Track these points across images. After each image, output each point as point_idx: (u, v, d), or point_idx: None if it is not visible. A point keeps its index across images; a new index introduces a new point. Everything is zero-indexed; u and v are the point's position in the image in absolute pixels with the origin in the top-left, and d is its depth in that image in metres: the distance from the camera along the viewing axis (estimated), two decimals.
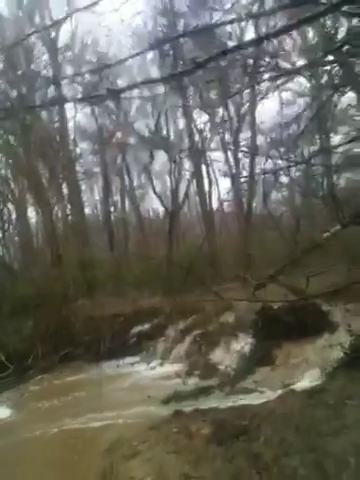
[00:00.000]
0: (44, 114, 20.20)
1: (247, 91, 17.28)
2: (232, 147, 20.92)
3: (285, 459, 3.82)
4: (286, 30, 2.47)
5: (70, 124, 21.73)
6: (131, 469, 4.61)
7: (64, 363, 13.20)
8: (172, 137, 22.37)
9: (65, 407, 9.18)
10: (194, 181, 23.07)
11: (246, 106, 19.45)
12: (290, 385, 7.50)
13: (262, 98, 18.37)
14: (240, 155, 20.33)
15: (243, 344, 10.25)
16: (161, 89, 12.70)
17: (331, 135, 16.88)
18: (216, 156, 23.49)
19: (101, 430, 7.39)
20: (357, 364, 6.73)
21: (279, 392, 7.01)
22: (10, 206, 21.23)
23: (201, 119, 22.58)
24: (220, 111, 20.87)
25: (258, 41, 3.76)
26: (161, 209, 25.73)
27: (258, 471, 3.74)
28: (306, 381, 7.63)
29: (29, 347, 12.19)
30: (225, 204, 26.09)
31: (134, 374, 11.51)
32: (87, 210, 26.75)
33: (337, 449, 3.88)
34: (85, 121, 23.61)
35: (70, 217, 21.08)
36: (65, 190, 20.92)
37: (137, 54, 4.51)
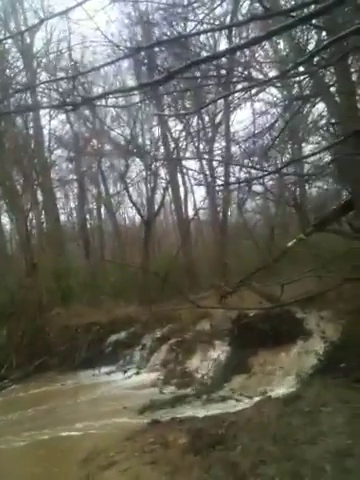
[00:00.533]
0: (19, 120, 19.99)
1: (221, 101, 17.48)
2: (207, 156, 21.10)
3: (262, 468, 3.85)
4: (257, 41, 2.52)
5: (45, 131, 21.59)
6: None
7: (39, 373, 12.97)
8: (147, 145, 22.43)
9: (40, 417, 9.01)
10: (169, 189, 23.16)
11: (220, 116, 19.66)
12: (266, 393, 7.55)
13: (235, 108, 18.59)
14: (215, 164, 20.50)
15: (219, 352, 10.30)
16: (136, 98, 12.71)
17: (303, 145, 17.20)
18: (191, 164, 23.66)
19: (77, 440, 7.30)
20: (331, 371, 6.85)
21: (255, 400, 7.06)
22: None
23: (176, 128, 22.74)
24: (195, 120, 21.06)
25: (230, 51, 3.82)
26: (137, 217, 25.69)
27: None
28: (282, 388, 7.72)
29: (3, 357, 11.95)
30: (201, 212, 26.25)
31: (110, 383, 11.41)
32: (62, 218, 26.49)
33: (314, 457, 3.92)
34: (60, 128, 23.45)
35: (45, 225, 20.81)
36: (40, 197, 20.68)
37: (111, 62, 4.50)
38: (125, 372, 12.21)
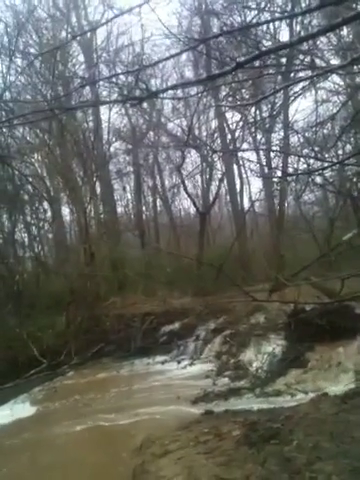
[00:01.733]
0: (79, 114, 20.52)
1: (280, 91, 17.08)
2: (264, 147, 20.75)
3: (319, 464, 3.76)
4: (333, 28, 2.41)
5: (104, 124, 22.05)
6: (161, 468, 4.64)
7: (96, 360, 13.36)
8: (204, 137, 22.38)
9: (96, 404, 9.27)
10: (225, 181, 23.02)
11: (279, 106, 19.25)
12: (323, 389, 7.36)
13: (296, 97, 18.13)
14: (272, 155, 20.14)
15: (274, 346, 10.13)
16: (194, 90, 12.67)
17: None
18: (248, 156, 23.38)
19: (132, 428, 7.42)
20: None
21: (311, 395, 6.91)
22: (45, 204, 21.65)
23: (233, 118, 22.51)
24: (252, 110, 20.75)
25: (304, 39, 3.69)
26: (192, 209, 25.76)
27: (290, 476, 3.69)
28: (339, 385, 7.50)
29: (62, 343, 12.36)
30: (256, 204, 25.93)
31: (164, 373, 11.53)
32: (119, 209, 27.06)
33: None
34: (119, 121, 23.87)
35: (103, 216, 21.33)
36: (98, 189, 21.20)
37: (172, 56, 4.49)
38: (179, 362, 12.31)
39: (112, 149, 23.48)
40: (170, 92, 17.24)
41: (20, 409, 9.90)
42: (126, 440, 6.84)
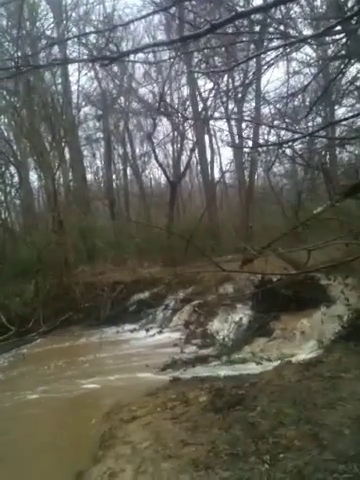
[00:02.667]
0: (47, 76, 19.79)
1: (253, 60, 16.89)
2: (236, 117, 20.63)
3: (281, 429, 3.91)
4: None
5: (73, 87, 21.37)
6: (129, 433, 4.73)
7: (64, 328, 13.38)
8: (176, 105, 22.02)
9: (64, 371, 9.33)
10: (196, 151, 22.86)
11: (251, 75, 19.06)
12: (287, 357, 7.60)
13: (268, 67, 17.95)
14: (244, 125, 20.07)
15: (241, 315, 10.36)
16: (166, 55, 12.35)
17: (336, 107, 16.60)
18: (219, 125, 23.24)
19: (100, 394, 7.52)
20: (354, 337, 6.84)
21: (276, 363, 7.12)
22: (12, 169, 21.06)
23: (206, 87, 22.20)
24: (225, 79, 20.49)
25: (274, 4, 3.62)
26: (163, 179, 25.60)
27: (254, 440, 3.83)
28: (303, 353, 7.76)
29: (30, 311, 12.32)
30: (227, 176, 25.95)
31: (133, 341, 11.67)
32: (89, 177, 26.59)
33: (333, 421, 3.96)
34: (88, 85, 23.16)
35: (72, 183, 20.94)
36: (67, 155, 20.71)
37: (144, 16, 4.34)
38: (147, 331, 12.45)
39: (82, 114, 22.91)
40: (141, 56, 16.82)
41: None
42: (94, 407, 6.93)
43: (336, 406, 4.32)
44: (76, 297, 14.50)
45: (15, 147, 20.16)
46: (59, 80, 20.41)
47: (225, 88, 20.68)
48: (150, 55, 16.90)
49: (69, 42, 17.08)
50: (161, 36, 21.22)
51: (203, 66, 16.39)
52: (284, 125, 11.82)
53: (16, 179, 21.59)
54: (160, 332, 12.11)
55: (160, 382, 7.11)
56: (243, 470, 3.39)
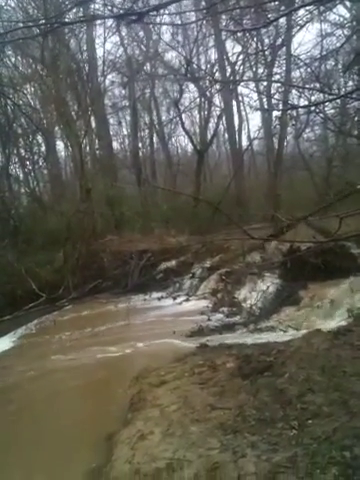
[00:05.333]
0: (73, 43, 19.52)
1: (283, 22, 16.20)
2: (265, 81, 20.00)
3: (310, 396, 3.88)
4: None
5: (99, 54, 21.00)
6: (158, 397, 4.80)
7: (93, 295, 13.61)
8: (203, 70, 21.49)
9: (94, 337, 9.52)
10: (224, 118, 22.40)
11: (282, 37, 18.32)
12: (315, 325, 7.53)
13: (300, 28, 17.20)
14: (273, 90, 19.45)
15: (269, 284, 10.27)
16: (192, 17, 11.95)
17: None
18: (248, 91, 22.66)
19: (129, 360, 7.68)
20: None
21: (304, 331, 7.07)
22: (39, 138, 21.12)
23: (234, 50, 21.54)
24: (253, 43, 19.79)
25: None
26: (190, 147, 25.27)
27: (282, 406, 3.82)
28: (331, 322, 7.67)
29: (60, 278, 12.53)
30: (255, 143, 25.42)
31: (160, 308, 11.78)
32: (115, 145, 26.46)
33: None
34: (114, 51, 22.71)
35: (98, 152, 20.88)
36: (93, 124, 20.58)
37: None
38: (175, 298, 12.55)
39: (107, 82, 22.57)
40: (167, 19, 16.32)
41: (19, 340, 10.21)
42: (123, 372, 7.08)
43: None
44: (104, 265, 14.68)
45: (42, 115, 20.13)
46: (84, 47, 20.10)
47: (254, 51, 19.96)
48: (177, 18, 16.39)
49: (95, 5, 16.62)
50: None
51: (231, 27, 15.86)
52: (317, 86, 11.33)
53: (43, 148, 21.67)
54: (187, 300, 12.19)
55: (187, 348, 7.19)
56: (271, 435, 3.39)
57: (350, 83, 16.33)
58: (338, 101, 14.81)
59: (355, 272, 9.15)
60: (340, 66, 15.05)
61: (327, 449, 3.02)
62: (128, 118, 25.52)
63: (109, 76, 22.59)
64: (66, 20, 8.08)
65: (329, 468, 2.79)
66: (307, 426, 3.43)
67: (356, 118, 15.98)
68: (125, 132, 28.30)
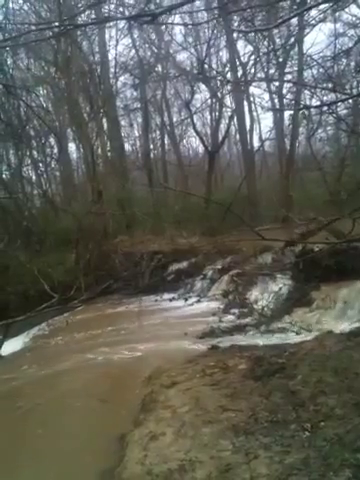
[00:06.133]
0: (85, 46, 19.62)
1: (295, 22, 16.14)
2: (277, 82, 19.95)
3: (322, 398, 3.87)
4: None
5: (111, 57, 21.09)
6: (169, 398, 4.80)
7: (105, 296, 13.67)
8: (214, 71, 21.47)
9: (106, 337, 9.54)
10: (235, 119, 22.36)
11: (293, 37, 18.24)
12: (328, 327, 7.49)
13: (312, 28, 17.11)
14: (285, 91, 19.40)
15: (281, 285, 10.23)
16: (204, 17, 11.96)
17: None
18: (259, 92, 22.61)
19: (141, 361, 7.66)
20: None
21: (316, 333, 7.04)
22: (52, 140, 21.28)
23: (245, 50, 21.50)
24: (265, 43, 19.74)
25: None
26: (201, 148, 25.27)
27: (295, 408, 3.81)
28: (344, 323, 7.62)
29: (72, 279, 12.57)
30: (266, 144, 25.35)
31: (172, 310, 11.77)
32: (127, 147, 26.55)
33: None
34: (125, 53, 22.77)
35: (110, 153, 20.97)
36: (105, 125, 20.68)
37: None
38: (186, 300, 12.54)
39: (119, 84, 22.65)
40: (179, 20, 16.34)
41: (32, 341, 10.29)
42: (135, 373, 7.08)
43: None
44: (115, 266, 14.74)
45: (54, 117, 20.28)
46: (96, 49, 20.20)
47: (266, 52, 19.91)
48: (188, 18, 16.40)
49: (107, 7, 16.71)
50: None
51: (243, 27, 15.82)
52: (329, 86, 11.28)
53: (56, 150, 21.82)
54: (198, 301, 12.17)
55: (199, 350, 7.19)
56: (284, 437, 3.38)
57: None
58: (350, 101, 14.73)
59: None
60: (352, 66, 14.95)
61: (340, 451, 3.02)
62: (139, 120, 25.60)
63: (121, 78, 22.69)
64: (79, 22, 8.09)
65: (342, 470, 2.79)
66: (320, 428, 3.43)
67: None
68: (136, 134, 28.39)
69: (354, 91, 16.24)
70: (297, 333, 8.03)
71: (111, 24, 19.00)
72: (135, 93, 23.63)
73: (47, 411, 6.15)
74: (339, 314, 8.17)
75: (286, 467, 2.97)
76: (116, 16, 12.09)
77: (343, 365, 4.57)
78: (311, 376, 4.40)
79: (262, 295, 10.51)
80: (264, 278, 11.14)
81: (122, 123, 24.82)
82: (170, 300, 12.85)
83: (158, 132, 25.91)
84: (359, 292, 8.32)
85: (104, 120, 20.08)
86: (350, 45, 14.82)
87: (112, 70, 21.15)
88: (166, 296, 13.22)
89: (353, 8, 14.25)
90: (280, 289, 10.14)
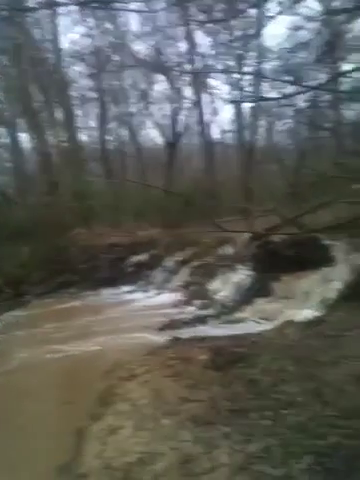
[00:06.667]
0: (37, 34, 18.94)
1: (254, 13, 16.16)
2: (236, 73, 19.98)
3: (283, 386, 3.84)
4: None
5: (65, 46, 20.52)
6: (129, 391, 4.67)
7: (61, 290, 13.34)
8: (172, 61, 21.21)
9: (62, 332, 9.28)
10: (195, 110, 22.26)
11: (252, 29, 18.30)
12: (288, 317, 7.54)
13: (270, 20, 17.18)
14: (245, 83, 19.45)
15: (241, 276, 10.27)
16: (162, 4, 11.71)
17: (340, 64, 16.02)
18: (219, 83, 22.57)
19: (99, 354, 7.50)
20: (356, 297, 6.76)
21: (276, 323, 7.07)
22: (2, 130, 20.45)
23: (204, 41, 21.38)
24: (224, 34, 19.69)
25: None
26: (160, 139, 25.00)
27: (255, 396, 3.76)
28: (304, 313, 7.69)
29: (26, 273, 12.22)
30: (226, 136, 25.41)
31: (131, 302, 11.64)
32: (83, 137, 25.90)
33: (335, 378, 3.90)
34: (80, 42, 22.11)
35: (65, 144, 20.40)
36: (59, 115, 20.07)
37: None
38: (146, 292, 12.43)
39: (74, 73, 21.99)
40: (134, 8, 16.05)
41: None
42: (93, 367, 6.89)
43: (339, 364, 4.27)
44: (72, 259, 14.39)
45: (5, 107, 19.49)
46: (49, 37, 19.53)
47: (224, 43, 19.85)
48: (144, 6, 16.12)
49: None
50: None
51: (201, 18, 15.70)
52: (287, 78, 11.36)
53: (8, 140, 21.01)
54: (159, 293, 12.09)
55: (159, 342, 7.07)
56: (245, 426, 3.32)
57: (321, 77, 16.46)
58: (309, 94, 14.93)
59: (327, 263, 9.20)
60: (311, 59, 15.13)
61: (301, 438, 2.99)
62: (96, 110, 25.00)
63: (76, 67, 22.05)
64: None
65: (303, 457, 2.76)
66: (281, 416, 3.39)
67: (327, 111, 16.16)
68: (93, 124, 27.69)
69: (313, 83, 16.46)
70: (258, 323, 8.06)
71: (64, 11, 18.42)
72: (91, 82, 23.06)
73: (0, 411, 5.89)
74: (299, 304, 8.25)
75: (247, 456, 2.91)
76: (65, 1, 11.58)
77: (304, 354, 4.57)
78: (272, 365, 4.37)
79: (223, 286, 10.53)
80: (225, 269, 11.16)
81: (78, 113, 24.17)
82: (130, 293, 12.71)
83: (115, 122, 25.38)
84: (318, 282, 8.43)
85: (58, 110, 19.51)
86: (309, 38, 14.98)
87: (66, 59, 20.60)
88: (125, 289, 13.08)
89: (310, 1, 14.37)
90: (241, 280, 10.17)
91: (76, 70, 22.15)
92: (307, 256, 9.12)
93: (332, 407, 3.38)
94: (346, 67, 15.69)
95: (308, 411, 3.39)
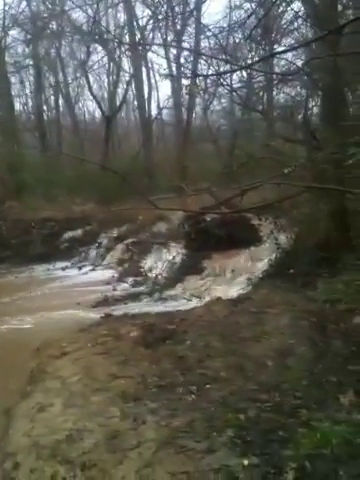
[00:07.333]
0: None
1: None
2: (175, 48, 19.82)
3: (208, 361, 4.03)
4: None
5: None
6: (59, 368, 4.69)
7: None
8: (112, 32, 20.61)
9: None
10: (133, 84, 21.87)
11: (192, 5, 18.20)
12: (217, 293, 7.83)
13: None
14: (182, 60, 19.35)
15: (174, 254, 10.48)
16: None
17: (275, 47, 16.34)
18: (157, 59, 22.29)
19: (29, 332, 7.41)
20: (281, 276, 7.14)
21: (206, 300, 7.32)
22: None
23: (144, 14, 20.93)
24: (164, 8, 19.39)
25: None
26: (98, 112, 24.41)
27: (182, 372, 3.92)
28: (232, 290, 8.01)
29: None
30: (164, 112, 25.26)
31: (65, 279, 11.50)
32: (17, 106, 24.71)
33: (257, 353, 4.14)
34: (16, 5, 20.81)
35: None
36: None
37: None
38: (80, 268, 12.34)
39: (9, 38, 20.77)
40: None
41: None
42: (23, 344, 6.78)
43: (261, 339, 4.50)
44: (4, 234, 13.88)
45: None
46: None
47: (164, 17, 19.55)
48: None
49: None
50: None
51: None
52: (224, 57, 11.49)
53: None
54: (93, 270, 12.05)
55: (92, 319, 7.11)
56: (171, 401, 3.46)
57: (257, 58, 16.74)
58: (244, 75, 15.16)
59: (255, 243, 9.61)
60: (247, 39, 15.30)
61: (223, 412, 3.15)
62: (32, 78, 23.88)
63: (11, 32, 20.82)
64: None
65: (225, 430, 2.90)
66: (205, 391, 3.55)
67: (260, 93, 16.52)
68: (28, 93, 26.42)
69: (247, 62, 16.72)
70: (189, 300, 8.30)
71: None
72: (27, 49, 21.91)
73: None
74: (228, 281, 8.58)
75: (172, 430, 3.04)
76: None
77: (229, 330, 4.79)
78: (199, 341, 4.55)
79: (156, 263, 10.68)
80: (158, 247, 11.30)
81: (12, 80, 22.96)
82: (63, 269, 12.53)
83: (52, 92, 24.42)
84: (246, 260, 8.79)
85: None
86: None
87: (0, 23, 19.39)
88: (59, 265, 12.87)
89: None
90: (173, 258, 10.38)
91: (12, 35, 20.97)
92: (237, 235, 9.46)
93: (253, 381, 3.56)
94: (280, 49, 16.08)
95: (231, 386, 3.56)
